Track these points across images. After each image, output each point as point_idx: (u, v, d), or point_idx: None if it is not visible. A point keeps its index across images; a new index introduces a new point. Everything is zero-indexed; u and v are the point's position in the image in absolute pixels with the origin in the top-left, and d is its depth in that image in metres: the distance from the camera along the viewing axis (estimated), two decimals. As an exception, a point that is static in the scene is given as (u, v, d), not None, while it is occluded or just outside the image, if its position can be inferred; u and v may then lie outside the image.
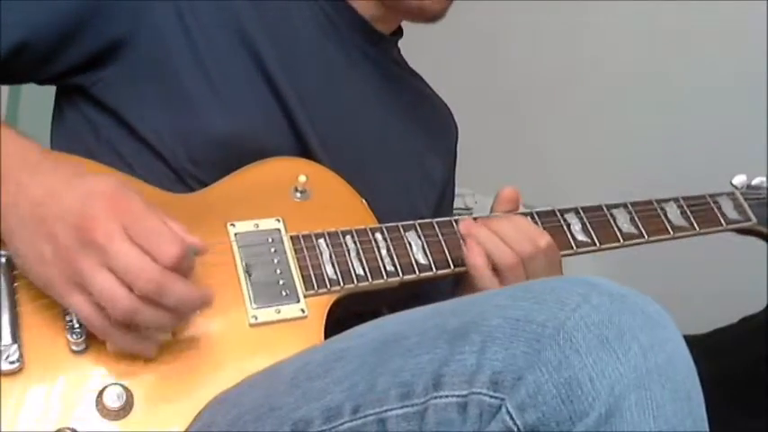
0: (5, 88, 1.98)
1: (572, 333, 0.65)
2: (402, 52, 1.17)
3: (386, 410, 0.69)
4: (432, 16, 1.04)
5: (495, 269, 0.92)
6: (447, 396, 0.67)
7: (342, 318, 0.89)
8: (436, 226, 0.94)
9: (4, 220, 0.74)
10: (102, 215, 0.72)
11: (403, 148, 1.08)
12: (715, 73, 2.04)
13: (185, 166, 0.93)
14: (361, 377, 0.71)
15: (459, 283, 1.01)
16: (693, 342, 0.69)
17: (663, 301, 0.70)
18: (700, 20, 2.02)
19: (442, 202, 1.14)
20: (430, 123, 1.14)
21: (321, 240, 0.89)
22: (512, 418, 0.65)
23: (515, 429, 0.65)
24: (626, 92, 2.16)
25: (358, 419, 0.70)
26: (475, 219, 0.96)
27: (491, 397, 0.66)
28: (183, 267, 0.73)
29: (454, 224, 0.95)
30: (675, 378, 0.65)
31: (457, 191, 1.22)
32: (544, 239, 0.94)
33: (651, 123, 2.14)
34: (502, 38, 2.26)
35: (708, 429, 0.67)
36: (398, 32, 1.13)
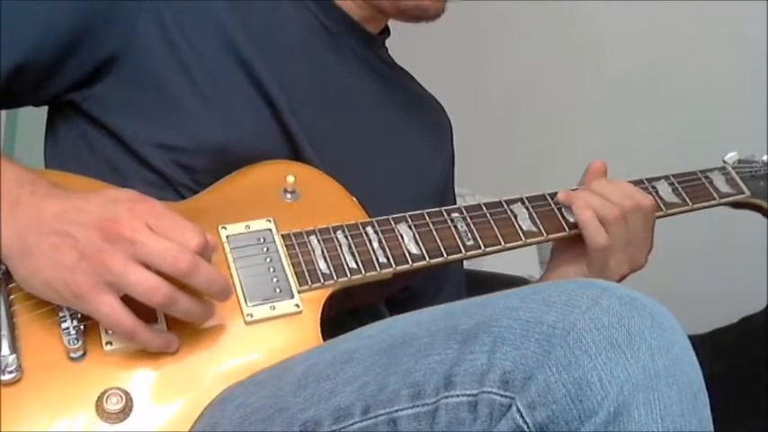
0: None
1: (582, 334, 0.66)
2: (401, 52, 1.17)
3: (397, 410, 0.70)
4: (430, 15, 1.04)
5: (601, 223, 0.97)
6: (458, 395, 0.68)
7: (338, 315, 0.90)
8: (427, 216, 0.95)
9: (24, 241, 0.74)
10: (125, 215, 0.74)
11: (399, 148, 1.09)
12: (717, 74, 2.05)
13: (179, 176, 0.94)
14: (371, 378, 0.72)
15: (553, 254, 1.06)
16: (694, 342, 0.70)
17: (663, 301, 0.71)
18: (699, 19, 2.03)
19: (443, 199, 1.14)
20: (424, 121, 1.15)
21: (312, 237, 0.89)
22: (522, 416, 0.66)
23: (525, 428, 0.66)
24: (626, 92, 2.17)
25: (369, 420, 0.70)
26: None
27: (501, 396, 0.67)
28: (205, 257, 0.76)
29: (444, 214, 0.96)
30: (682, 379, 0.66)
31: (457, 191, 1.22)
32: (648, 199, 1.00)
33: (652, 123, 2.15)
34: (501, 37, 2.26)
35: (713, 430, 0.68)
36: (386, 32, 1.13)
